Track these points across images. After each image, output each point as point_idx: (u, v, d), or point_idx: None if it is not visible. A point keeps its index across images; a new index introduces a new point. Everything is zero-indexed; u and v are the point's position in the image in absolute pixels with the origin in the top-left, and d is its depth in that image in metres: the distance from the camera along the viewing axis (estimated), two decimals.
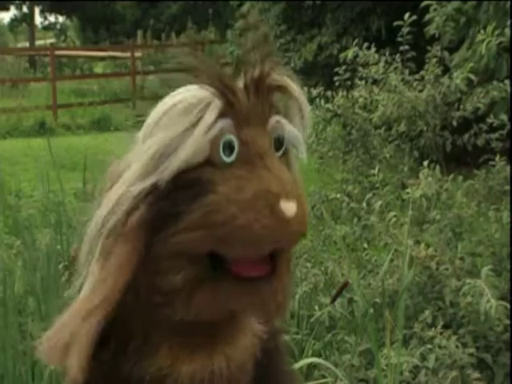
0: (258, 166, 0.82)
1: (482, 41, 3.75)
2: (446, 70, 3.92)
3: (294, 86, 0.88)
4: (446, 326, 2.26)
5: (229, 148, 0.82)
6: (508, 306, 2.14)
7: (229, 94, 0.83)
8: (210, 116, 0.82)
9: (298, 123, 0.89)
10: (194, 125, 0.82)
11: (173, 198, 0.82)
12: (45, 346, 0.87)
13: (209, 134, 0.81)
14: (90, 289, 0.87)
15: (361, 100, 3.98)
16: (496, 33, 3.71)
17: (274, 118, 0.86)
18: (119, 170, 0.90)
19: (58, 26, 30.09)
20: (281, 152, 0.87)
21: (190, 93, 0.84)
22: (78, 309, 0.86)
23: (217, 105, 0.83)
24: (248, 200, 0.80)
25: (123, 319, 0.88)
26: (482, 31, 3.83)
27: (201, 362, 0.89)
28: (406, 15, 3.91)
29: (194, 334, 0.89)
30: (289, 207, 0.80)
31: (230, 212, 0.79)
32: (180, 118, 0.82)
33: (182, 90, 0.84)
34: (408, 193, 2.85)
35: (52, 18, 29.07)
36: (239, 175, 0.82)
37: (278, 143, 0.87)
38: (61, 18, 29.43)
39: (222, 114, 0.82)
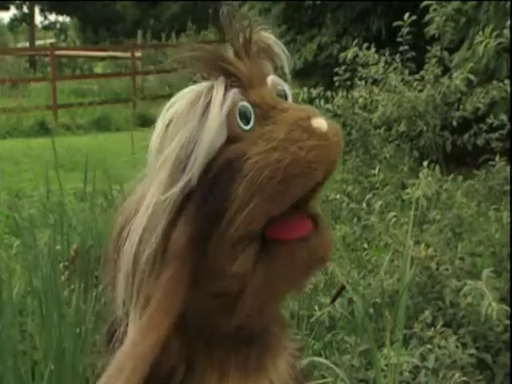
0: (277, 113, 0.83)
1: (481, 42, 3.75)
2: (446, 70, 3.92)
3: (276, 43, 0.92)
4: (445, 326, 2.26)
5: (245, 117, 0.82)
6: (508, 309, 2.14)
7: (227, 67, 0.84)
8: (219, 93, 0.82)
9: (284, 77, 0.93)
10: (206, 110, 0.81)
11: (212, 193, 0.79)
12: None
13: (223, 108, 0.81)
14: (138, 331, 0.81)
15: (361, 100, 3.98)
16: (494, 34, 3.70)
17: (270, 77, 0.89)
18: (132, 203, 0.86)
19: (58, 26, 30.09)
20: None
21: (185, 94, 0.84)
22: (129, 354, 0.80)
23: (220, 81, 0.83)
24: (284, 138, 0.79)
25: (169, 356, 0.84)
26: (480, 33, 3.83)
27: None
28: (406, 15, 3.91)
29: (241, 356, 0.87)
30: (320, 122, 0.81)
31: (273, 160, 0.78)
32: (189, 114, 0.81)
33: (173, 100, 0.83)
34: (408, 193, 2.84)
35: (52, 17, 29.10)
36: (264, 131, 0.81)
37: (284, 98, 0.89)
38: (61, 18, 29.45)
39: (227, 88, 0.83)
